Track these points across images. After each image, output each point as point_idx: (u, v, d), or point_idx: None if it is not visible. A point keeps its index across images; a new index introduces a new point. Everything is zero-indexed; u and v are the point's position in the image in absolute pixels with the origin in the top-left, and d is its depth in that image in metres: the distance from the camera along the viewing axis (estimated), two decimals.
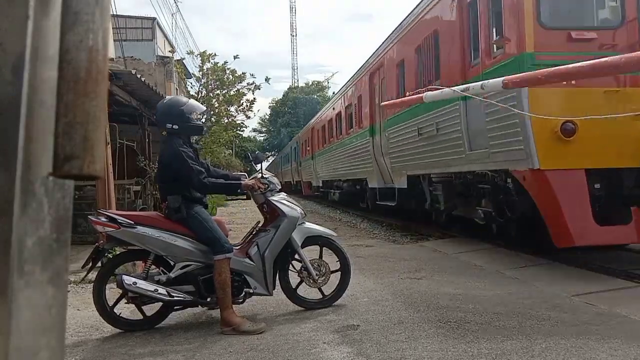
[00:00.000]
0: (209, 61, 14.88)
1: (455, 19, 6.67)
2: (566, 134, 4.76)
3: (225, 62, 15.05)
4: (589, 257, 5.84)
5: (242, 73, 15.30)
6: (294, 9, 79.29)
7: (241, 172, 26.14)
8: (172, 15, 46.34)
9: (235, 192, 4.05)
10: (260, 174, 4.23)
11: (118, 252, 4.15)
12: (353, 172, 13.45)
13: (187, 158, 3.67)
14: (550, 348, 3.02)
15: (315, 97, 56.15)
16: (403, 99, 6.98)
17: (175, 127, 3.77)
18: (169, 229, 3.72)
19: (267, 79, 15.98)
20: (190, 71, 18.24)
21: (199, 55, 15.07)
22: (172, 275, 3.69)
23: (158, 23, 27.96)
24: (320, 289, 4.17)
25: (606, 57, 2.49)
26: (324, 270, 4.17)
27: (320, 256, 4.25)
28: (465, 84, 5.08)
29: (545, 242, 5.81)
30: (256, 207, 4.29)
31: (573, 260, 5.70)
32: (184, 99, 4.07)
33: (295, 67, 75.89)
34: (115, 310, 3.77)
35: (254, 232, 4.10)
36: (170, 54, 21.14)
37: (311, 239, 4.21)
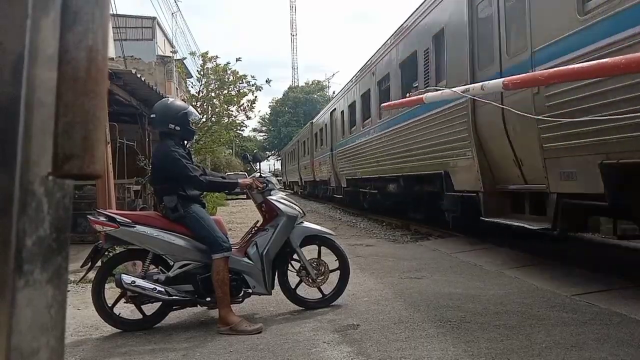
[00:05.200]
0: (211, 62, 14.83)
1: None
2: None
3: (228, 63, 15.01)
4: (589, 257, 5.84)
5: (243, 75, 15.25)
6: (294, 9, 79.28)
7: (241, 171, 26.13)
8: (173, 14, 46.36)
9: (232, 190, 4.06)
10: (258, 173, 4.24)
11: (117, 252, 4.15)
12: None
13: (181, 157, 3.69)
14: (551, 347, 3.02)
15: (316, 96, 56.18)
16: (403, 99, 6.99)
17: (177, 128, 3.81)
18: (167, 228, 3.73)
19: (268, 81, 15.84)
20: (191, 71, 18.24)
21: (200, 56, 15.02)
22: (170, 274, 3.70)
23: (158, 22, 28.00)
24: (319, 289, 4.18)
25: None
26: (322, 270, 4.17)
27: (319, 255, 4.25)
28: None
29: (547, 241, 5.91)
30: (255, 206, 4.30)
31: (573, 260, 5.70)
32: (184, 103, 4.15)
33: (296, 67, 76.02)
34: (114, 310, 3.77)
35: (252, 232, 4.10)
36: (171, 54, 21.13)
37: (310, 239, 4.21)
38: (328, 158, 17.54)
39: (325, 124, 18.74)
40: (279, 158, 62.21)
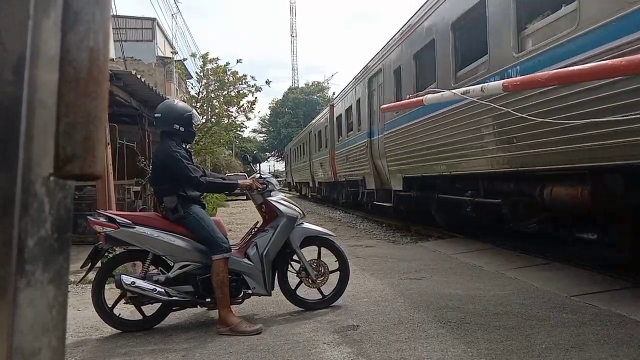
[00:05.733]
0: (211, 63, 14.83)
1: None
2: None
3: (227, 64, 15.02)
4: (589, 257, 5.84)
5: (243, 75, 15.25)
6: (294, 10, 79.38)
7: (241, 172, 26.13)
8: (172, 15, 46.42)
9: (232, 191, 4.08)
10: (258, 174, 4.24)
11: (117, 253, 4.15)
12: None
13: (182, 158, 3.70)
14: (550, 348, 3.02)
15: (315, 97, 56.19)
16: (403, 101, 6.99)
17: (182, 129, 3.84)
18: (167, 229, 3.73)
19: (267, 82, 15.80)
20: (191, 72, 18.26)
21: (200, 58, 15.03)
22: (170, 275, 3.70)
23: (158, 23, 28.01)
24: (319, 289, 4.18)
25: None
26: (322, 271, 4.17)
27: (319, 256, 4.25)
28: None
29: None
30: (255, 207, 4.30)
31: (573, 260, 5.70)
32: (188, 105, 4.21)
33: (295, 68, 76.05)
34: (114, 311, 3.77)
35: (252, 233, 4.11)
36: (171, 54, 21.11)
37: (310, 240, 4.21)
38: (364, 148, 11.87)
39: (358, 100, 12.68)
40: (279, 159, 62.12)
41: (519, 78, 3.13)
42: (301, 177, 27.27)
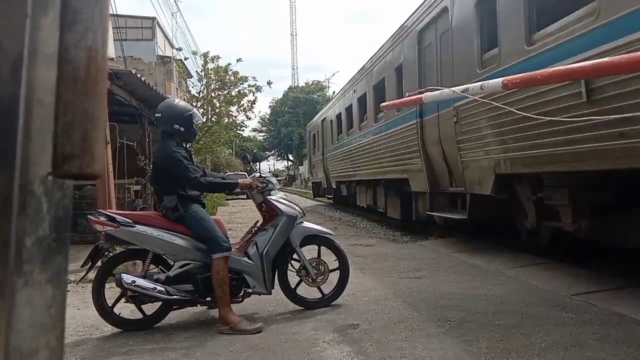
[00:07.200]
0: (212, 62, 14.83)
1: None
2: None
3: (229, 64, 15.03)
4: (589, 257, 5.84)
5: (244, 76, 15.26)
6: (294, 9, 79.43)
7: (241, 171, 26.13)
8: (173, 14, 46.41)
9: (232, 190, 4.08)
10: (258, 173, 4.24)
11: (118, 252, 4.16)
12: None
13: (182, 158, 3.70)
14: (550, 347, 3.02)
15: (315, 96, 56.14)
16: (402, 99, 6.98)
17: (182, 128, 3.84)
18: (167, 228, 3.73)
19: (269, 83, 15.81)
20: (191, 71, 18.25)
21: (202, 56, 15.03)
22: (171, 274, 3.70)
23: (158, 22, 28.01)
24: (319, 288, 4.18)
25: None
26: (322, 269, 4.18)
27: (319, 255, 4.25)
28: None
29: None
30: (255, 206, 4.30)
31: (573, 260, 5.70)
32: (189, 105, 4.21)
33: (295, 67, 76.11)
34: (114, 310, 3.77)
35: (252, 232, 4.11)
36: (175, 51, 21.09)
37: (310, 238, 4.21)
38: None
39: None
40: (279, 158, 62.07)
41: (518, 75, 3.12)
42: (372, 170, 11.11)
